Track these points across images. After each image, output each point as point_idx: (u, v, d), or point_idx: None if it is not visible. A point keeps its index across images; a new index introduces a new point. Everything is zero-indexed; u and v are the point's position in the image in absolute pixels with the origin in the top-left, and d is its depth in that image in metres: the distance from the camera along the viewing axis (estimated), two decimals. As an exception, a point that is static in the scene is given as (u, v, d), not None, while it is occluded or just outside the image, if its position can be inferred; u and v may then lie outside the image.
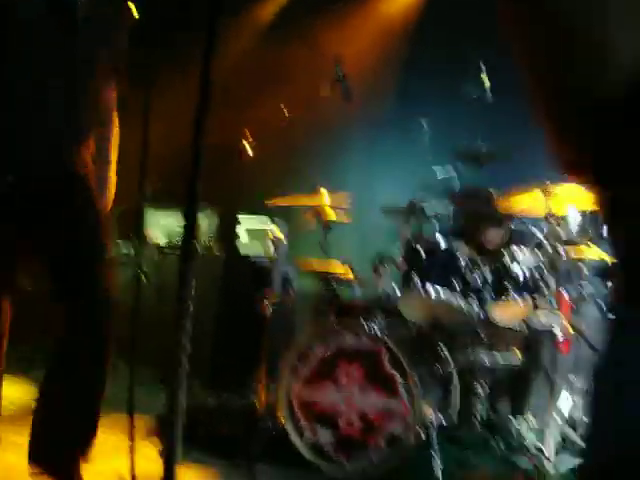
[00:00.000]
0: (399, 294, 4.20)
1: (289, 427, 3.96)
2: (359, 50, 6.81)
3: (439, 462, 3.61)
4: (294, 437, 3.95)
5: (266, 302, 4.51)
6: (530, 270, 4.20)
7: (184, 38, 7.94)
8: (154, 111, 7.41)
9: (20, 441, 4.11)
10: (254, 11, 7.98)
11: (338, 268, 4.57)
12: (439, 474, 3.59)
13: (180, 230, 5.16)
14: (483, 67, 4.94)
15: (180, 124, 7.43)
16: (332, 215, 4.66)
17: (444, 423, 3.91)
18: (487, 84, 5.00)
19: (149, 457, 4.02)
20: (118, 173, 3.79)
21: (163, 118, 7.57)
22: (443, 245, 4.19)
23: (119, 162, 4.20)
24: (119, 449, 4.09)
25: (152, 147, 7.48)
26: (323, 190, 4.62)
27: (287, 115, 4.72)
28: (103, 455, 3.97)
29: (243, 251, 6.33)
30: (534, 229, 4.49)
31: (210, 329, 5.81)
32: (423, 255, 4.18)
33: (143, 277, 6.13)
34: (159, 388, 5.73)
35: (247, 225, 6.40)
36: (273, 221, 5.88)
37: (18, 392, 5.49)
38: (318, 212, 4.63)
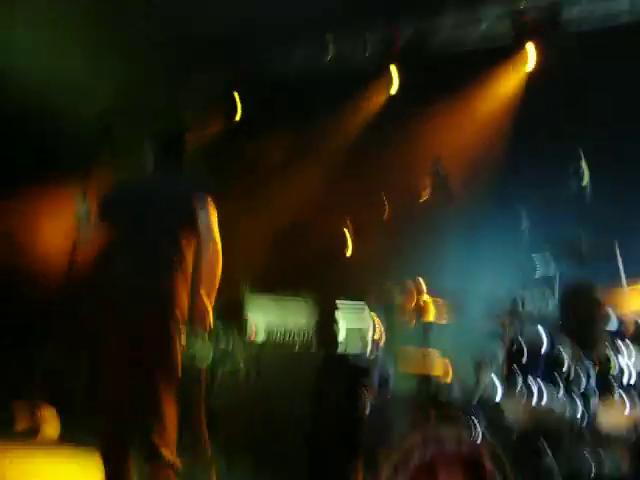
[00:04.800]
0: (501, 395, 4.11)
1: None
2: (458, 148, 6.87)
3: None
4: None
5: (364, 400, 4.49)
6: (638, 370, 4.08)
7: (282, 139, 8.26)
8: (261, 208, 7.63)
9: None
10: (353, 112, 8.17)
11: (438, 367, 4.52)
12: None
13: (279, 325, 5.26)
14: (584, 162, 4.92)
15: (283, 221, 7.65)
16: (433, 313, 4.65)
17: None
18: (587, 178, 4.98)
19: None
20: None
21: (267, 216, 7.80)
22: (546, 344, 4.10)
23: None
24: None
25: (257, 245, 7.66)
26: (423, 288, 4.63)
27: (388, 214, 4.79)
28: None
29: (342, 348, 6.34)
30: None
31: (308, 425, 5.80)
32: (525, 354, 4.11)
33: (243, 370, 6.25)
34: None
35: (346, 322, 6.42)
36: (373, 319, 5.90)
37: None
38: (419, 310, 4.62)
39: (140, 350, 4.08)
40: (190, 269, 4.30)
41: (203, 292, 4.19)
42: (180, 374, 4.22)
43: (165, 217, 4.30)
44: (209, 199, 4.33)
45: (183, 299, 4.23)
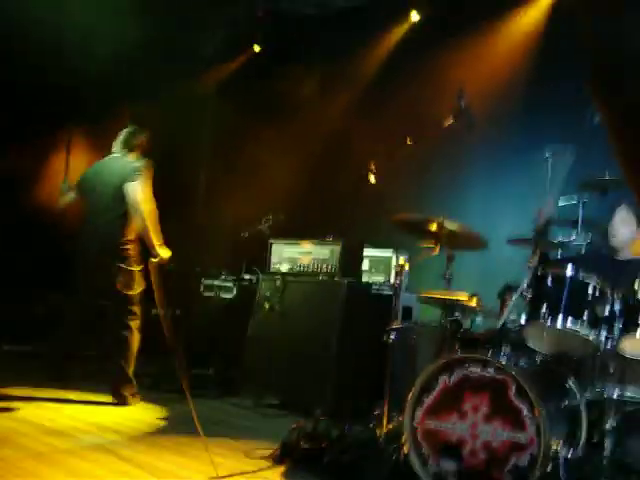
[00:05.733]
0: (525, 321, 4.12)
1: (413, 456, 3.95)
2: (482, 80, 6.80)
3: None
4: (417, 466, 3.93)
5: (388, 330, 4.52)
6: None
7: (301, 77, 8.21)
8: (280, 148, 7.65)
9: (148, 461, 4.27)
10: (376, 44, 8.09)
11: (462, 297, 4.53)
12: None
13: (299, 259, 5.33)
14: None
15: (302, 161, 7.65)
16: (457, 241, 4.64)
17: (570, 457, 3.80)
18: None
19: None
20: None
21: (288, 154, 7.80)
22: (571, 274, 4.09)
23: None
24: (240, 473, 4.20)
25: (276, 181, 7.71)
26: (446, 221, 4.60)
27: (411, 146, 4.75)
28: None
29: (365, 279, 6.37)
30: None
31: (333, 355, 5.87)
32: (550, 284, 4.11)
33: (266, 304, 6.30)
34: (281, 414, 5.84)
35: (370, 254, 6.44)
36: (396, 251, 5.93)
37: (146, 413, 5.70)
38: (442, 238, 4.61)
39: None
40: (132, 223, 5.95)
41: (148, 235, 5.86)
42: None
43: (110, 189, 5.97)
44: (139, 173, 5.89)
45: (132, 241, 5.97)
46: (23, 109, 7.69)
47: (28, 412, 5.29)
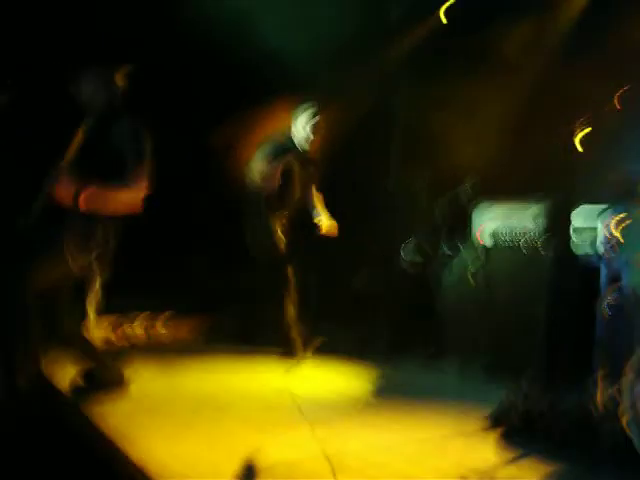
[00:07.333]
0: None
1: (634, 433, 3.80)
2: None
3: None
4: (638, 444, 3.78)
5: (604, 300, 4.36)
6: None
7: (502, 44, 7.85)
8: (486, 111, 7.34)
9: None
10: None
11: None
12: None
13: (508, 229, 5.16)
14: None
15: (505, 123, 7.30)
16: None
17: None
18: None
19: (488, 449, 4.10)
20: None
21: (489, 115, 7.55)
22: None
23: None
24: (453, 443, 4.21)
25: (475, 145, 7.42)
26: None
27: (619, 108, 4.52)
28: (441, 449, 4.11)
29: (575, 249, 6.15)
30: None
31: (541, 326, 5.73)
32: None
33: (469, 273, 6.22)
34: (486, 382, 5.80)
35: (579, 223, 6.19)
36: (608, 218, 5.64)
37: (351, 380, 5.83)
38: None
39: None
40: None
41: None
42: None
43: None
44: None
45: None
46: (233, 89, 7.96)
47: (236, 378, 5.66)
